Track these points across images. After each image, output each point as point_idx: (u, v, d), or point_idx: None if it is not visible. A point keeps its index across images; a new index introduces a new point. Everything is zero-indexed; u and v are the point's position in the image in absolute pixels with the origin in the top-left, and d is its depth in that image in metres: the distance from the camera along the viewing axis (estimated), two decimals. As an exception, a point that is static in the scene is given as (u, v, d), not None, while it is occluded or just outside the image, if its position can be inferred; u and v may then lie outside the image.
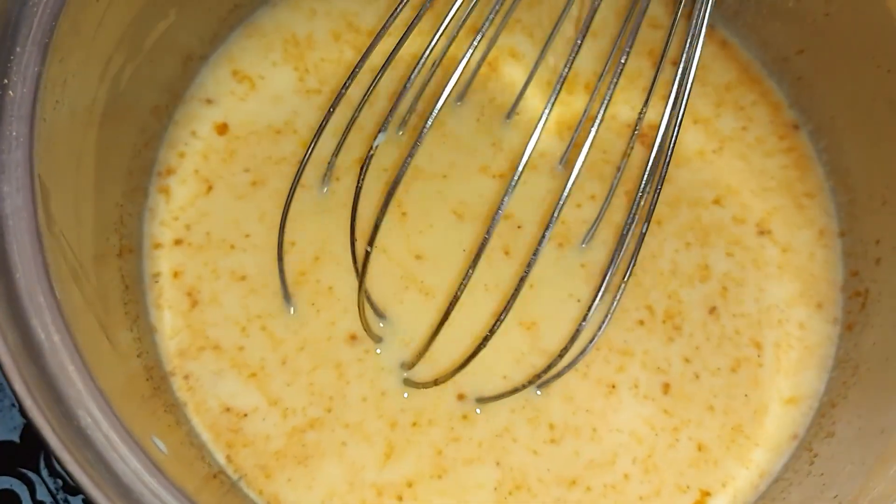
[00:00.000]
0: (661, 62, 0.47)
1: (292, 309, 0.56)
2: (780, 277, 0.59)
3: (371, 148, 0.44)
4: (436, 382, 0.51)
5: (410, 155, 0.41)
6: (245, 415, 0.54)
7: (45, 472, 0.58)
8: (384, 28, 0.45)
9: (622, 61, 0.42)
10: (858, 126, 0.59)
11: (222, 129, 0.60)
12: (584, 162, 0.40)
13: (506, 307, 0.42)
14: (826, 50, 0.60)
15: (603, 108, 0.41)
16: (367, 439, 0.54)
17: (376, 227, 0.43)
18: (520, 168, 0.38)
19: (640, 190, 0.46)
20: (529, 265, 0.41)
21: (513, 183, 0.38)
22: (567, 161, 0.60)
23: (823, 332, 0.58)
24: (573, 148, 0.60)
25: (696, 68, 0.44)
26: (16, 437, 0.58)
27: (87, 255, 0.46)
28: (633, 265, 0.49)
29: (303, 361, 0.55)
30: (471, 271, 0.41)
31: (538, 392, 0.56)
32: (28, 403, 0.36)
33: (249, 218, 0.58)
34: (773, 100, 0.64)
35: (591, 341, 0.50)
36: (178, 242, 0.58)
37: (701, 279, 0.59)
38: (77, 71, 0.45)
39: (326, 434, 0.54)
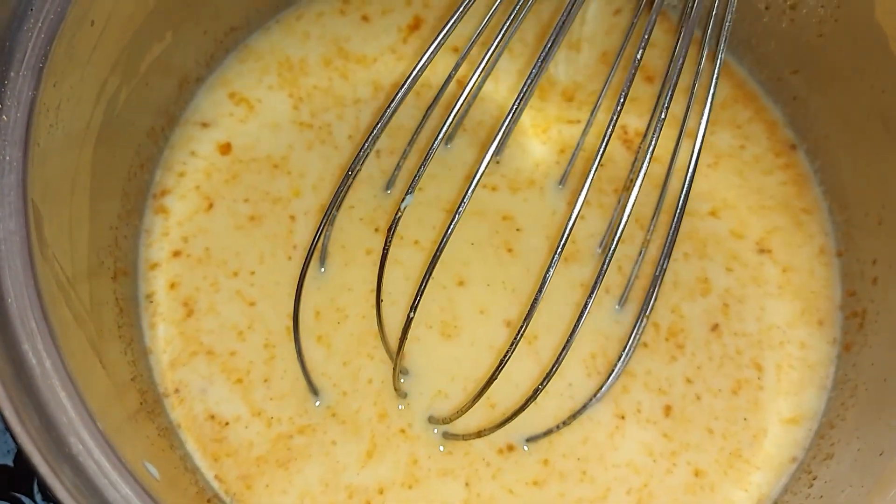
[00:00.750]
0: (667, 92, 0.46)
1: (318, 402, 0.55)
2: (781, 297, 0.59)
3: (398, 210, 0.44)
4: (479, 434, 0.51)
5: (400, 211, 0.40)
6: (227, 423, 0.54)
7: (38, 497, 0.58)
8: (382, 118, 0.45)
9: (664, 107, 0.42)
10: (853, 145, 0.59)
11: (225, 149, 0.60)
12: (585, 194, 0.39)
13: (516, 337, 0.42)
14: (820, 70, 0.60)
15: (606, 138, 0.41)
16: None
17: (419, 294, 0.43)
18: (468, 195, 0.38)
19: (649, 231, 0.46)
20: (535, 300, 0.41)
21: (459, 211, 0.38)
22: (566, 181, 0.60)
23: (823, 351, 0.58)
24: (573, 174, 0.60)
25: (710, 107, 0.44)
26: (10, 461, 0.58)
27: (80, 278, 0.46)
28: (650, 310, 0.49)
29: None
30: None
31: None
32: (18, 430, 0.35)
33: (250, 254, 0.58)
34: (769, 118, 0.64)
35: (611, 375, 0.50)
36: (176, 254, 0.58)
37: (702, 292, 0.59)
38: (72, 94, 0.46)
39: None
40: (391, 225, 0.44)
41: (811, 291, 0.59)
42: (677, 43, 0.43)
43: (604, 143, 0.41)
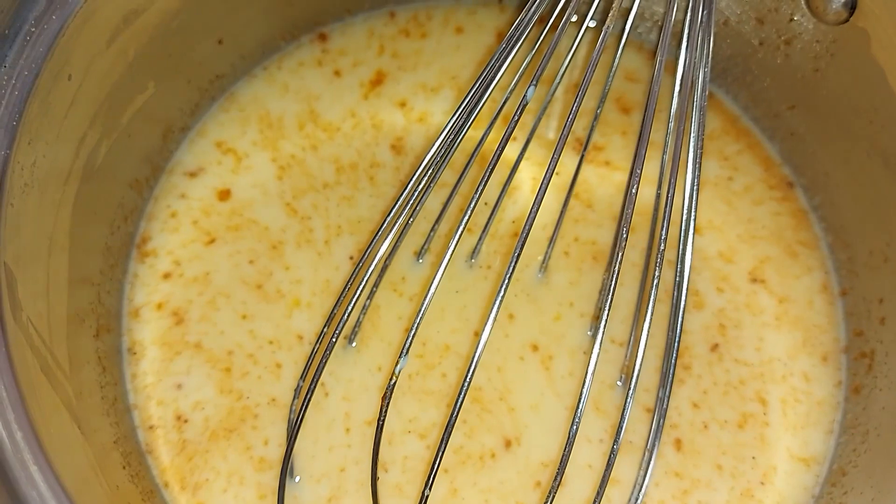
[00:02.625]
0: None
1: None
2: (779, 328, 0.58)
3: (393, 375, 0.42)
4: None
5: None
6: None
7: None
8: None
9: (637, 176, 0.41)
10: (853, 183, 0.58)
11: (225, 195, 0.59)
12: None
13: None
14: (818, 106, 0.59)
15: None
16: None
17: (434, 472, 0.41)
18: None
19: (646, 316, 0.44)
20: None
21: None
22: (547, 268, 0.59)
23: (829, 389, 0.57)
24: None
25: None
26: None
27: (58, 340, 0.44)
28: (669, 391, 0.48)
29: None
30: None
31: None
32: (-16, 510, 0.34)
33: (261, 320, 0.57)
34: (764, 154, 0.63)
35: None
36: (166, 276, 0.57)
37: (696, 305, 0.58)
38: (48, 151, 0.44)
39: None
40: (386, 392, 0.43)
41: (813, 325, 0.58)
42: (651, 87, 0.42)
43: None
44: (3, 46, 0.42)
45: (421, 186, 0.44)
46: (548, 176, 0.39)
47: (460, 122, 0.43)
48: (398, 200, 0.44)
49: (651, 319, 0.43)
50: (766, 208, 0.61)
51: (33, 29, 0.43)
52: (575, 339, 0.57)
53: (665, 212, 0.43)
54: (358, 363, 0.55)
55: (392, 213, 0.44)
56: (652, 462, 0.50)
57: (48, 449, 0.37)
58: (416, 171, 0.44)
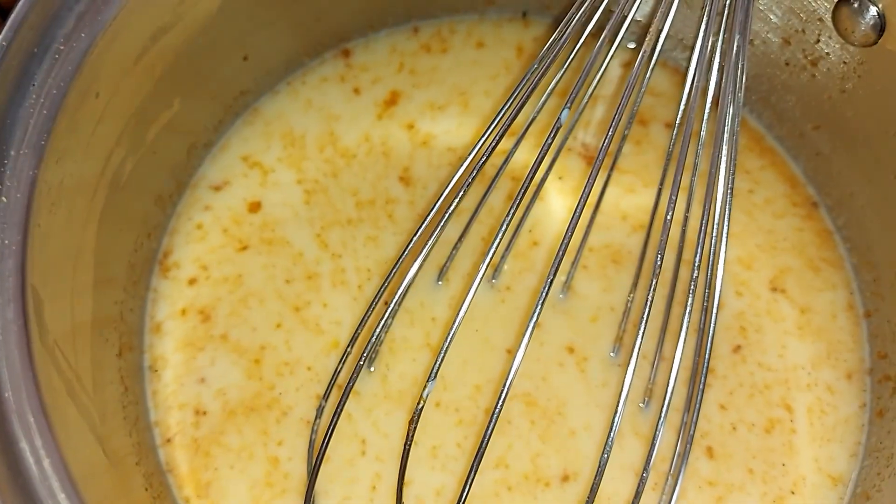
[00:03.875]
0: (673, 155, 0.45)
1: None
2: (802, 338, 0.58)
3: (421, 399, 0.42)
4: None
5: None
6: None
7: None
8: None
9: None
10: (879, 204, 0.57)
11: (255, 206, 0.59)
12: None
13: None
14: (844, 126, 0.58)
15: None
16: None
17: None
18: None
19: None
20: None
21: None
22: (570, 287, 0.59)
23: (853, 409, 0.56)
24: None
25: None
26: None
27: (83, 360, 0.44)
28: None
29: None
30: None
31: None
32: (14, 539, 0.33)
33: (299, 341, 0.56)
34: (789, 173, 0.62)
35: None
36: (191, 282, 0.57)
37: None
38: (75, 170, 0.44)
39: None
40: (413, 416, 0.42)
41: (837, 340, 0.58)
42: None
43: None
44: (32, 65, 0.42)
45: (446, 212, 0.44)
46: (583, 200, 0.39)
47: (489, 144, 0.42)
48: (420, 228, 0.44)
49: (683, 351, 0.42)
50: (787, 223, 0.61)
51: (62, 47, 0.43)
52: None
53: (699, 236, 0.42)
54: (379, 387, 0.55)
55: (415, 241, 0.44)
56: (676, 490, 0.50)
57: (75, 475, 0.37)
58: (441, 196, 0.43)
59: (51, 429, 0.37)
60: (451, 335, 0.40)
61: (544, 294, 0.38)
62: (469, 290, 0.39)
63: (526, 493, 0.53)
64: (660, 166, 0.61)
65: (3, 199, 0.40)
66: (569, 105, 0.41)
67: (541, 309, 0.38)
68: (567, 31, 0.44)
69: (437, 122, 0.62)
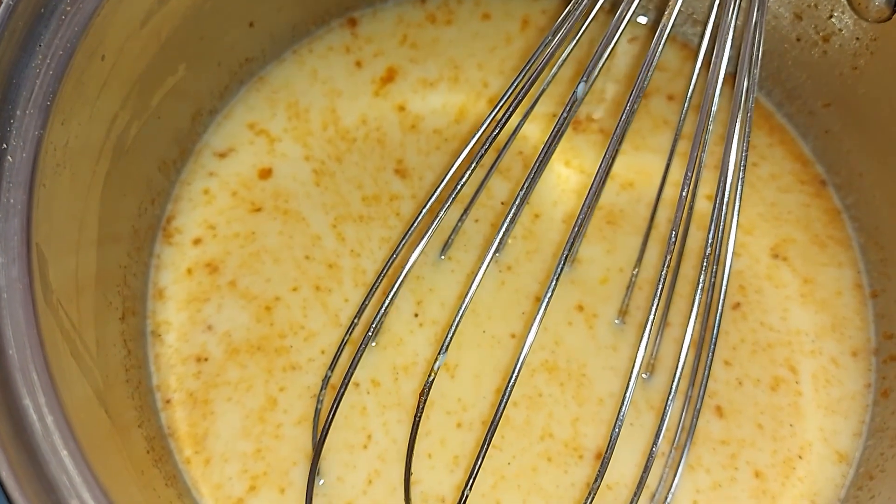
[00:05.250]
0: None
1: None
2: (804, 305, 0.58)
3: (432, 371, 0.42)
4: None
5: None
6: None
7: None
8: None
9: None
10: (889, 183, 0.57)
11: (266, 173, 0.59)
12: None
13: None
14: (855, 104, 0.58)
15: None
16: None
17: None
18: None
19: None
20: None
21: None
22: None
23: (858, 389, 0.56)
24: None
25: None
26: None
27: (87, 323, 0.44)
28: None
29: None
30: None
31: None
32: (15, 493, 0.33)
33: (317, 314, 0.56)
34: (797, 151, 0.62)
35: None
36: (196, 242, 0.57)
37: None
38: (80, 132, 0.44)
39: None
40: (424, 388, 0.42)
41: (842, 316, 0.58)
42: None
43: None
44: (38, 26, 0.42)
45: (448, 199, 0.43)
46: (599, 177, 0.39)
47: (501, 116, 0.42)
48: (421, 214, 0.44)
49: (694, 325, 0.42)
50: (794, 199, 0.61)
51: (69, 8, 0.43)
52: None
53: (713, 213, 0.42)
54: (381, 361, 0.55)
55: (414, 227, 0.43)
56: (682, 465, 0.50)
57: (78, 434, 0.37)
58: (442, 182, 0.43)
59: (54, 387, 0.37)
60: (461, 311, 0.40)
61: (557, 273, 0.38)
62: (479, 269, 0.39)
63: (561, 464, 0.53)
64: (654, 134, 0.62)
65: (9, 158, 0.39)
66: (585, 79, 0.41)
67: (554, 286, 0.38)
68: (581, 5, 0.44)
69: (425, 101, 0.62)
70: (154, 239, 0.56)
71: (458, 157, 0.43)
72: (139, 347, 0.53)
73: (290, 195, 0.59)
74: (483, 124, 0.43)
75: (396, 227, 0.58)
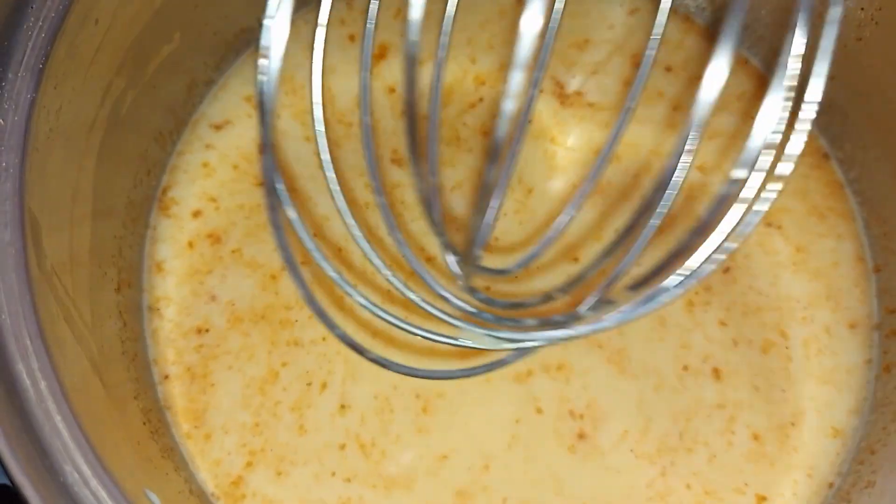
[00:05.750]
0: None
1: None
2: (796, 273, 0.57)
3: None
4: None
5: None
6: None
7: (37, 518, 0.55)
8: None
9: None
10: (892, 157, 0.56)
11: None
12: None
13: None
14: (859, 76, 0.57)
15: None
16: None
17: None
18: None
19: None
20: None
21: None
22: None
23: (858, 364, 0.56)
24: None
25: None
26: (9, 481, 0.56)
27: (81, 292, 0.44)
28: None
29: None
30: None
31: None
32: (9, 458, 0.33)
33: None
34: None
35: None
36: (196, 214, 0.56)
37: (697, 221, 0.57)
38: (74, 97, 0.43)
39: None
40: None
41: (839, 288, 0.57)
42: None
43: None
44: (30, -14, 0.41)
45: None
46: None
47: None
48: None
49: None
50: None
51: (61, -31, 0.42)
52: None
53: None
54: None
55: None
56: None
57: (72, 400, 0.36)
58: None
59: (48, 352, 0.36)
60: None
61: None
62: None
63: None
64: (645, 106, 0.60)
65: (1, 121, 0.39)
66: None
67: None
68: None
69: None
70: (150, 210, 0.56)
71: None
72: (135, 320, 0.52)
73: (295, 175, 0.58)
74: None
75: (402, 215, 0.58)
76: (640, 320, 0.40)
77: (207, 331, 0.54)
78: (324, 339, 0.54)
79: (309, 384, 0.53)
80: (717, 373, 0.55)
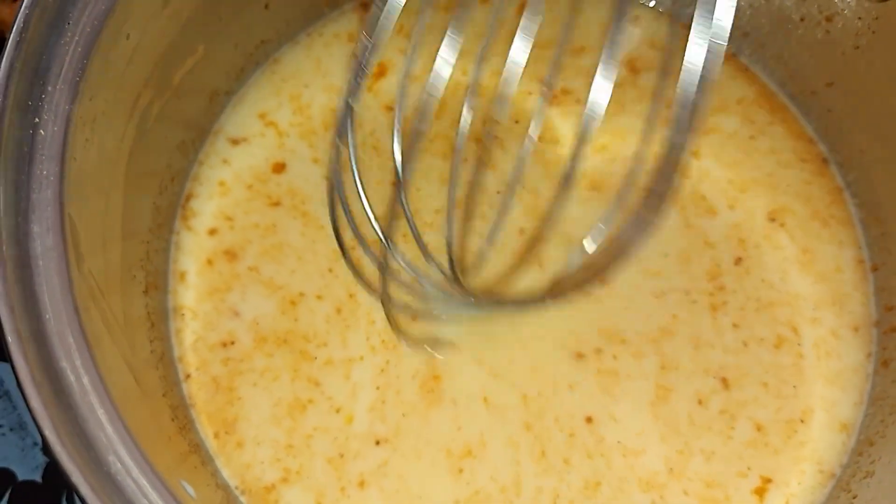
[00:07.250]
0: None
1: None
2: (803, 272, 0.59)
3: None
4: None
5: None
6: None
7: (66, 513, 0.57)
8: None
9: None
10: (890, 159, 0.58)
11: (279, 167, 0.60)
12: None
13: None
14: (857, 83, 0.59)
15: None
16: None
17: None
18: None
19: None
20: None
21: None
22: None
23: (859, 359, 0.57)
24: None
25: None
26: (38, 477, 0.58)
27: (114, 294, 0.46)
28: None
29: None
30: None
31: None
32: (59, 449, 0.35)
33: (353, 326, 0.56)
34: (799, 130, 0.63)
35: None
36: (212, 232, 0.57)
37: (707, 211, 0.58)
38: (107, 108, 0.45)
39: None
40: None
41: (843, 293, 0.59)
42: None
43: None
44: (67, 3, 0.43)
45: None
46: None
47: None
48: None
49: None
50: (794, 174, 0.61)
51: (95, -13, 0.44)
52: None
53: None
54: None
55: None
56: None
57: (112, 395, 0.38)
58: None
59: (89, 350, 0.38)
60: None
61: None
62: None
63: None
64: (635, 102, 0.61)
65: (42, 131, 0.41)
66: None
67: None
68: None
69: (409, 99, 0.60)
70: (174, 216, 0.58)
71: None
72: (161, 321, 0.54)
73: (305, 197, 0.59)
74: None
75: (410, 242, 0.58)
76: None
77: (233, 343, 0.55)
78: (346, 377, 0.55)
79: (335, 438, 0.54)
80: (725, 382, 0.56)
